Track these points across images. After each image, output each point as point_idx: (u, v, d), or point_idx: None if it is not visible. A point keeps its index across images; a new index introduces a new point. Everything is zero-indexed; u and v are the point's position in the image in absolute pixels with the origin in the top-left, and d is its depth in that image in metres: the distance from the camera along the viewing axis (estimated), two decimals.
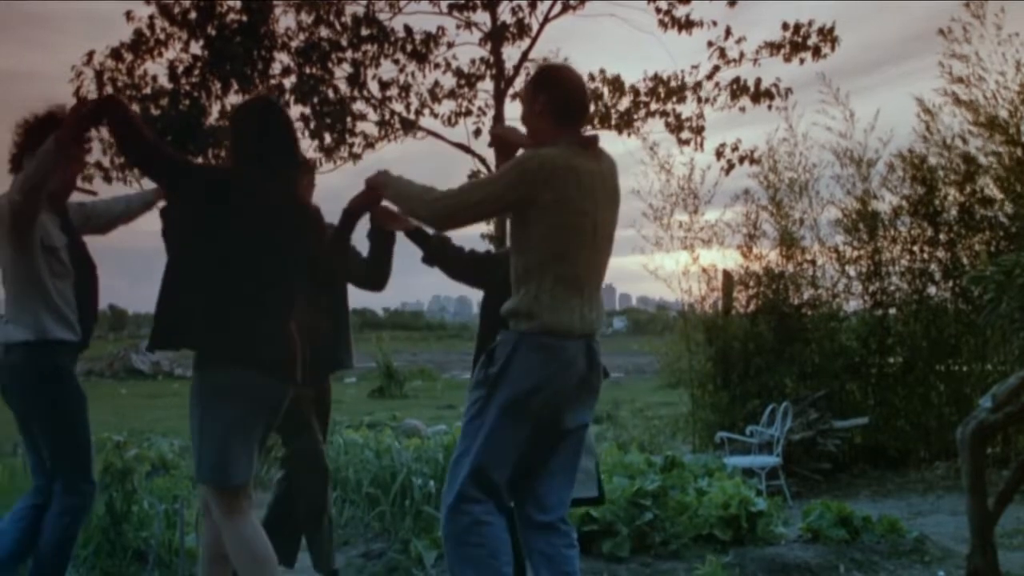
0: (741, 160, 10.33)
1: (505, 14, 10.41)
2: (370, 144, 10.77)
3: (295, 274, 3.51)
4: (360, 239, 4.33)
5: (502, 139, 3.68)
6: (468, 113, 10.82)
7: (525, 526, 3.41)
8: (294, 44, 10.12)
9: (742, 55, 10.26)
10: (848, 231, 9.85)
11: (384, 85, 10.54)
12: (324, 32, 10.15)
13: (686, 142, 10.48)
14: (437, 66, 10.58)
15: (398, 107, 10.69)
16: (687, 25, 10.14)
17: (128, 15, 9.96)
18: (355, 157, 10.68)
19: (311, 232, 3.56)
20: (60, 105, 3.92)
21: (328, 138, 10.28)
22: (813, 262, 9.98)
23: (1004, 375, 6.80)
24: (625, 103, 10.56)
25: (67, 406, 3.90)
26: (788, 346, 9.57)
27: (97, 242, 4.27)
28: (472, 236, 10.30)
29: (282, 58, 10.14)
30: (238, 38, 9.76)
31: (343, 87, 10.30)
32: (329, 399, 4.63)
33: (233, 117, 3.84)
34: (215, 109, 9.95)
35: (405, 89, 10.61)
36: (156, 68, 10.03)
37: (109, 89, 9.74)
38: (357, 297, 4.97)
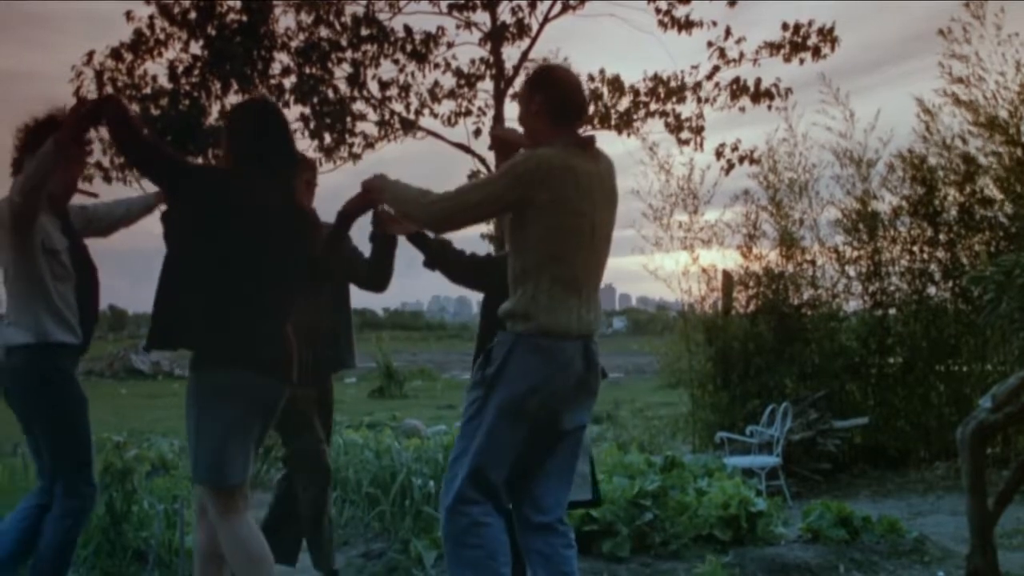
0: (741, 160, 10.31)
1: (505, 14, 10.39)
2: (370, 144, 10.75)
3: (292, 275, 3.51)
4: (362, 241, 4.36)
5: (502, 140, 3.68)
6: (468, 113, 10.80)
7: (523, 527, 3.41)
8: (294, 44, 10.09)
9: (742, 55, 10.24)
10: (848, 231, 9.86)
11: (384, 85, 10.53)
12: (324, 32, 10.13)
13: (686, 142, 10.46)
14: (437, 66, 10.56)
15: (398, 107, 10.68)
16: (687, 25, 10.12)
17: (128, 15, 9.94)
18: (355, 157, 10.67)
19: (308, 233, 3.57)
20: (60, 107, 3.93)
21: (328, 138, 10.26)
22: (813, 262, 9.99)
23: (1004, 375, 6.81)
24: (625, 103, 10.53)
25: (67, 408, 3.90)
26: (788, 346, 9.57)
27: (97, 243, 4.30)
28: (472, 236, 10.30)
29: (282, 58, 10.12)
30: (238, 38, 9.74)
31: (343, 87, 10.28)
32: (331, 399, 4.64)
33: (230, 118, 3.83)
34: (215, 109, 9.92)
35: (405, 89, 10.60)
36: (156, 68, 10.01)
37: (109, 89, 9.72)
38: (357, 297, 4.99)
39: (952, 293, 9.60)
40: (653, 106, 10.50)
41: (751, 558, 5.03)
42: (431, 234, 3.77)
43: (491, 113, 10.61)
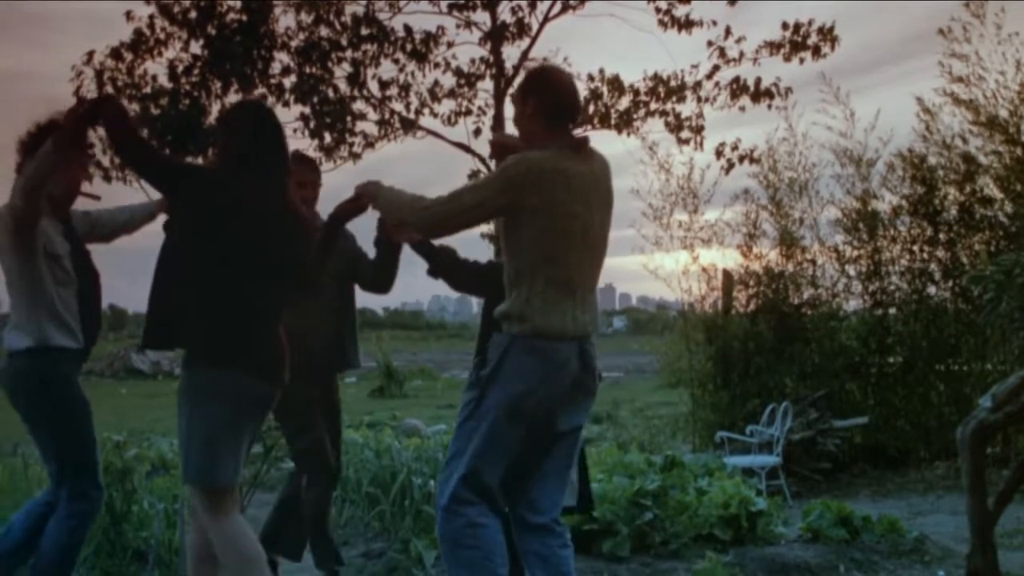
0: (741, 159, 10.32)
1: (505, 14, 10.41)
2: (370, 144, 10.77)
3: (286, 276, 3.51)
4: (365, 244, 4.38)
5: (502, 146, 3.69)
6: (468, 113, 10.81)
7: (519, 528, 3.42)
8: (294, 44, 10.10)
9: (742, 55, 10.25)
10: (848, 231, 9.86)
11: (384, 85, 10.54)
12: (324, 32, 10.14)
13: (686, 141, 10.48)
14: (437, 66, 10.57)
15: (398, 107, 10.70)
16: (687, 25, 10.13)
17: (128, 15, 9.95)
18: (355, 156, 10.68)
19: (302, 234, 3.57)
20: (62, 111, 3.93)
21: (328, 137, 10.27)
22: (813, 262, 9.99)
23: (1004, 375, 6.80)
24: (625, 103, 10.54)
25: (70, 412, 3.91)
26: (788, 346, 9.57)
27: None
28: (472, 236, 10.29)
29: (282, 58, 10.14)
30: (238, 38, 9.75)
31: (343, 87, 10.29)
32: (337, 398, 4.65)
33: (227, 118, 3.82)
34: (215, 109, 9.93)
35: (405, 89, 10.61)
36: (156, 68, 10.03)
37: (109, 89, 9.73)
38: (357, 296, 5.03)
39: (952, 292, 9.59)
40: (653, 105, 10.51)
41: (751, 557, 5.03)
42: (435, 243, 3.79)
43: (491, 113, 10.62)
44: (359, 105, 10.53)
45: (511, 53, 10.51)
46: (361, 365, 4.81)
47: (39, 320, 3.82)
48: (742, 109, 10.32)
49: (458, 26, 10.48)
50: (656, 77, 10.45)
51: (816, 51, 10.10)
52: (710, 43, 10.22)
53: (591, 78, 10.44)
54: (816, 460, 8.81)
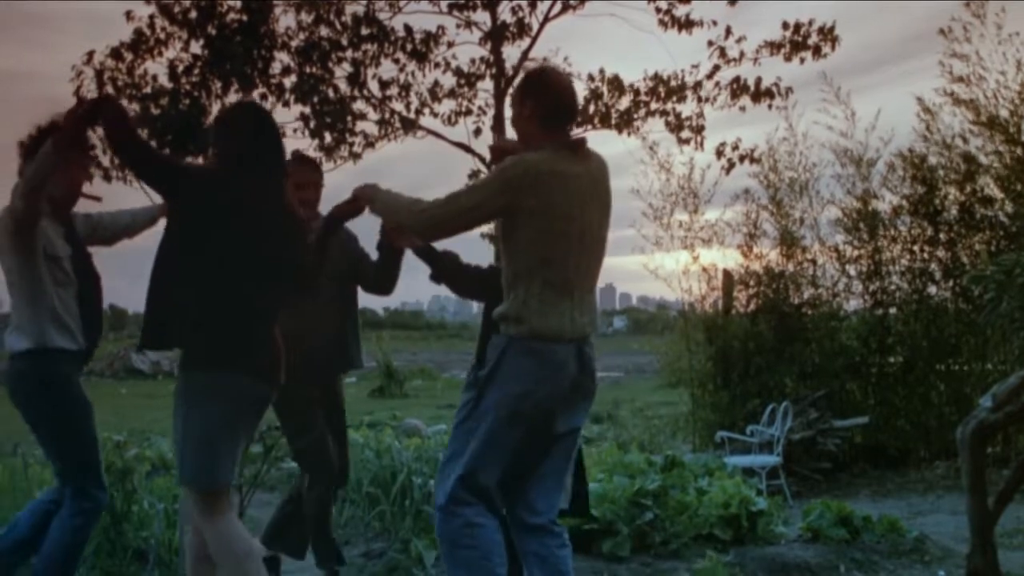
0: (741, 159, 10.31)
1: (505, 14, 10.40)
2: (370, 143, 10.76)
3: (283, 277, 3.51)
4: (366, 245, 4.40)
5: (502, 151, 3.68)
6: (468, 112, 10.81)
7: (517, 528, 3.43)
8: (294, 44, 10.09)
9: (742, 54, 10.24)
10: (848, 230, 9.86)
11: (384, 84, 10.53)
12: (324, 32, 10.13)
13: (686, 141, 10.47)
14: (437, 65, 10.57)
15: (398, 106, 10.69)
16: (687, 25, 10.12)
17: (128, 15, 9.94)
18: (355, 156, 10.67)
19: (299, 235, 3.57)
20: (62, 113, 3.93)
21: (328, 137, 10.26)
22: (813, 261, 9.99)
23: (1004, 375, 6.80)
24: (625, 102, 10.53)
25: (70, 413, 3.92)
26: (788, 346, 9.57)
27: None
28: (473, 237, 10.28)
29: (282, 58, 10.12)
30: (238, 38, 9.74)
31: (343, 86, 10.28)
32: (341, 399, 4.65)
33: (225, 119, 3.80)
34: (215, 109, 9.92)
35: (405, 88, 10.60)
36: (156, 68, 10.01)
37: (109, 89, 9.72)
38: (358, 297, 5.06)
39: (952, 292, 9.59)
40: (653, 105, 10.50)
41: (751, 557, 5.04)
42: (438, 247, 3.80)
43: (491, 112, 10.62)
44: (359, 105, 10.53)
45: (511, 53, 10.51)
46: (364, 365, 4.82)
47: (39, 322, 3.83)
48: (742, 109, 10.31)
49: (458, 26, 10.48)
50: (656, 77, 10.44)
51: (816, 51, 10.09)
52: (710, 43, 10.21)
53: (591, 78, 10.43)
54: (816, 460, 8.81)
